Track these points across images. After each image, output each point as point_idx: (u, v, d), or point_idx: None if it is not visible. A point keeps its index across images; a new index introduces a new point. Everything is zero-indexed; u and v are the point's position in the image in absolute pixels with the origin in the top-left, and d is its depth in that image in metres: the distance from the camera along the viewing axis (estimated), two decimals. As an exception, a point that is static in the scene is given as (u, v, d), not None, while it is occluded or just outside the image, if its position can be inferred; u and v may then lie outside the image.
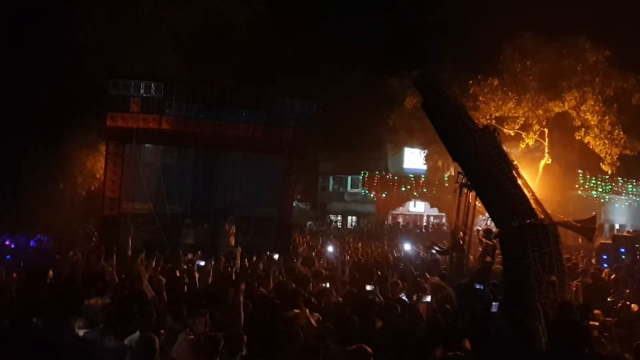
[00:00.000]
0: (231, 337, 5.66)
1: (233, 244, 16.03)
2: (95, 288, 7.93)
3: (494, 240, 12.16)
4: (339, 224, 38.25)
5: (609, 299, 10.50)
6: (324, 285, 9.49)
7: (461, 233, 11.84)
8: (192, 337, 6.01)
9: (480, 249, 12.82)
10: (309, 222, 33.85)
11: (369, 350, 5.30)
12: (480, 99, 24.18)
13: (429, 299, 8.40)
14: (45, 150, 22.42)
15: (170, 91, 16.49)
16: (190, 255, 12.75)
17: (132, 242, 13.45)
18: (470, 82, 24.30)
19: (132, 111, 16.34)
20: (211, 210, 17.48)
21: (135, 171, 16.77)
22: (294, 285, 8.80)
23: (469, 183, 10.60)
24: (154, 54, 17.10)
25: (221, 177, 18.05)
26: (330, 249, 17.33)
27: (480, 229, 13.74)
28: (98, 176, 22.40)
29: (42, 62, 21.50)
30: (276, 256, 13.22)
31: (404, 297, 8.73)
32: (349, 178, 39.70)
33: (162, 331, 6.33)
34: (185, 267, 11.05)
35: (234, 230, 17.08)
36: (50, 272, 9.56)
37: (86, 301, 7.43)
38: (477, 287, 9.63)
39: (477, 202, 11.25)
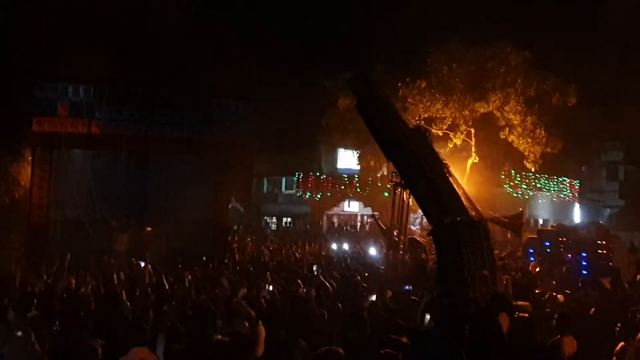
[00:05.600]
0: None
1: (164, 249, 15.61)
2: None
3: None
4: (274, 226, 38.19)
5: (536, 291, 11.06)
6: None
7: (396, 231, 12.16)
8: None
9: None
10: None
11: (341, 351, 5.11)
12: (409, 100, 24.79)
13: (374, 298, 8.57)
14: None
15: (101, 94, 16.06)
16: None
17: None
18: (400, 84, 24.87)
19: (60, 115, 15.83)
20: (144, 215, 17.11)
21: (64, 177, 16.22)
22: None
23: (402, 182, 10.90)
24: (83, 54, 16.52)
25: (154, 180, 17.70)
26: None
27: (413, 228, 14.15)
28: (23, 183, 21.40)
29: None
30: None
31: None
32: (284, 179, 39.71)
33: None
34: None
35: (165, 235, 16.66)
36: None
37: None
38: (406, 288, 9.95)
39: (410, 201, 11.57)
